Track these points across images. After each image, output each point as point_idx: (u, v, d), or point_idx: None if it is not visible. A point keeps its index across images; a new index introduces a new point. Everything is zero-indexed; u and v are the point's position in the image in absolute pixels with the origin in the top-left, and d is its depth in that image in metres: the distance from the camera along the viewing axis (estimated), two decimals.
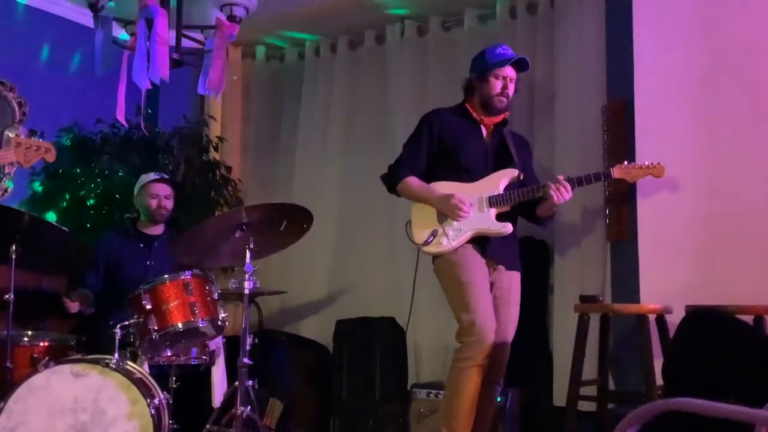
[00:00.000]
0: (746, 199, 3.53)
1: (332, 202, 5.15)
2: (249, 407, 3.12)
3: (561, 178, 3.25)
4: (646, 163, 3.40)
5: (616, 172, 3.37)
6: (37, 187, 4.54)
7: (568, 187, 3.22)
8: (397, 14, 4.94)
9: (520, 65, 3.34)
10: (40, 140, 3.38)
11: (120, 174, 4.51)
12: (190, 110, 5.30)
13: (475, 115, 3.37)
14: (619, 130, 3.78)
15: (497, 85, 3.30)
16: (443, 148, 3.34)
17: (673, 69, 3.69)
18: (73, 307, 3.69)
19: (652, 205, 3.64)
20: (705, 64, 3.65)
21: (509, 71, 3.31)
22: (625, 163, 3.40)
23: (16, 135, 3.47)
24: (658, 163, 3.39)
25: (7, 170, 4.43)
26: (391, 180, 3.39)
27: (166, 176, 4.09)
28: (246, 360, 3.14)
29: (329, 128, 5.25)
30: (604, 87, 3.98)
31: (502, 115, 3.38)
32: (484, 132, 3.38)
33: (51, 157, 3.37)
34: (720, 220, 3.55)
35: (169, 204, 3.96)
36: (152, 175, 3.99)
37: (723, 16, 3.65)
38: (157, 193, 3.93)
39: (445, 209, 3.25)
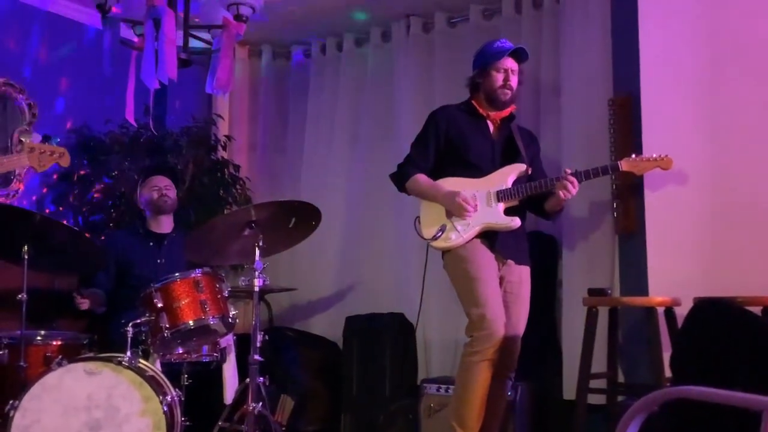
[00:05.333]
0: (753, 191, 3.53)
1: (340, 198, 5.16)
2: (260, 404, 3.13)
3: (568, 171, 3.25)
4: (654, 155, 3.39)
5: (624, 165, 3.36)
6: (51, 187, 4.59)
7: (575, 182, 3.22)
8: (397, 12, 4.93)
9: (519, 56, 3.35)
10: (54, 145, 3.41)
11: (132, 174, 4.53)
12: (198, 109, 5.32)
13: (481, 110, 3.38)
14: (625, 124, 3.77)
15: (499, 78, 3.32)
16: (450, 145, 3.35)
17: (679, 62, 3.68)
18: (84, 303, 3.72)
19: (659, 198, 3.64)
20: (711, 57, 3.64)
21: (509, 63, 3.33)
22: (633, 155, 3.40)
23: (30, 140, 3.49)
24: (666, 155, 3.38)
25: (18, 171, 4.46)
26: (400, 178, 3.41)
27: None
28: (257, 357, 3.15)
29: (336, 126, 5.27)
30: (610, 81, 3.97)
31: (509, 109, 3.39)
32: (491, 127, 3.40)
33: (65, 162, 3.40)
34: (727, 212, 3.55)
35: (171, 193, 4.00)
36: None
37: (729, 9, 3.65)
38: (157, 184, 3.98)
39: (450, 207, 3.26)
